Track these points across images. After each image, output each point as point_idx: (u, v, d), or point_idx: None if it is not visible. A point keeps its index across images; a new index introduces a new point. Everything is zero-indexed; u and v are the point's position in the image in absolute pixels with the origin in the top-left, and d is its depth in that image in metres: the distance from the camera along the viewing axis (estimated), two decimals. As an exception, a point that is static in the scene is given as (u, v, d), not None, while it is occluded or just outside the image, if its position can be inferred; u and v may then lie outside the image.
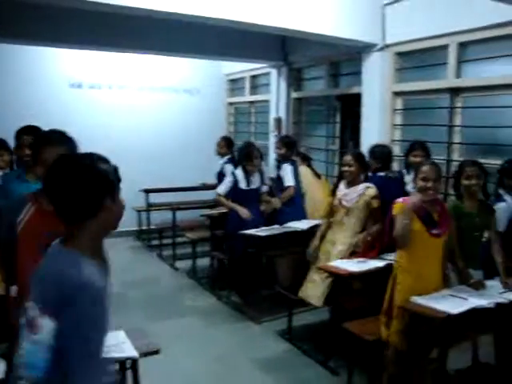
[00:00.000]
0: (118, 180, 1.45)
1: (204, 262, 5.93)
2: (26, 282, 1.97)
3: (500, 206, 3.38)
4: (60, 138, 2.20)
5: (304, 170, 5.28)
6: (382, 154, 4.30)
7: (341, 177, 4.01)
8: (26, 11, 4.89)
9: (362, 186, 3.89)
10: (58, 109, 6.69)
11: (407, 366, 2.99)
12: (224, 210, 5.22)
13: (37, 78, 6.86)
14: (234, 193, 4.99)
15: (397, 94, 5.21)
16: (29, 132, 3.34)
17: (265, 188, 5.15)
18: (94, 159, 1.41)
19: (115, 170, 1.44)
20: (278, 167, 5.26)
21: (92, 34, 5.41)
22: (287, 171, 5.06)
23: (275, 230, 4.68)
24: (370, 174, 4.06)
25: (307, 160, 5.52)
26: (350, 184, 3.90)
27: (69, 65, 7.14)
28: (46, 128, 2.41)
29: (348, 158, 3.89)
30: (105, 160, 1.43)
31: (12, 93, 6.58)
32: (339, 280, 3.65)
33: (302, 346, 4.05)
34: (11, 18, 4.91)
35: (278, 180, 5.17)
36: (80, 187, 1.35)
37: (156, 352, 2.53)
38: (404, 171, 4.32)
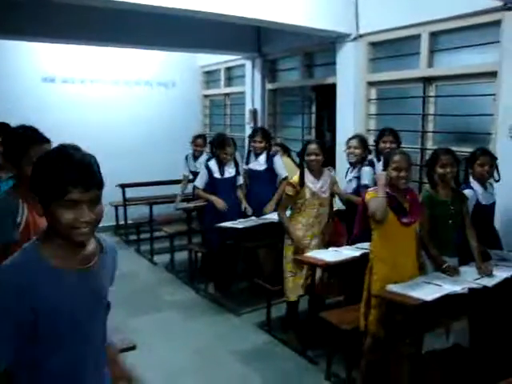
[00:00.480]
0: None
1: (182, 255, 5.91)
2: None
3: (467, 193, 3.44)
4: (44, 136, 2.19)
5: (286, 160, 5.27)
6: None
7: (302, 166, 3.93)
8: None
9: (326, 173, 3.95)
10: (32, 104, 6.55)
11: (384, 352, 3.04)
12: (201, 203, 5.20)
13: (11, 73, 6.72)
14: (209, 183, 4.95)
15: (371, 83, 5.24)
16: None
17: (241, 180, 5.12)
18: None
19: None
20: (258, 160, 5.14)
21: (65, 27, 5.32)
22: (280, 163, 5.02)
23: (253, 221, 4.67)
24: None
25: (287, 151, 5.52)
26: (316, 173, 3.91)
27: (42, 59, 7.01)
28: (17, 123, 2.34)
29: (313, 146, 3.86)
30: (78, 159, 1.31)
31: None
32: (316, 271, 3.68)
33: (281, 337, 4.08)
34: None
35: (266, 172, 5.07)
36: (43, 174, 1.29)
37: (132, 348, 2.47)
38: (375, 160, 4.33)
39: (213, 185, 4.96)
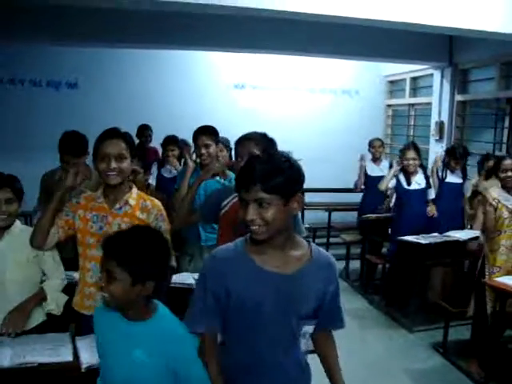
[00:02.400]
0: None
1: (355, 264, 5.98)
2: None
3: None
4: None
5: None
6: None
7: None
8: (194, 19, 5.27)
9: None
10: (224, 108, 7.21)
11: None
12: (386, 215, 5.22)
13: (206, 80, 7.44)
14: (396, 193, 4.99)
15: None
16: (205, 132, 3.42)
17: (432, 194, 4.99)
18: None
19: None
20: None
21: (256, 38, 5.70)
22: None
23: (436, 238, 4.51)
24: None
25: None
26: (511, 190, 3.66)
27: (233, 67, 7.59)
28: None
29: (508, 162, 3.64)
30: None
31: (186, 94, 7.22)
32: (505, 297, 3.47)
33: (458, 362, 3.92)
34: (179, 27, 5.36)
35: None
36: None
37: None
38: None
39: (400, 195, 4.94)
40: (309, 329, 1.66)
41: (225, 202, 2.50)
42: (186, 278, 2.89)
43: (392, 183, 4.93)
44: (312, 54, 6.60)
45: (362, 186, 6.17)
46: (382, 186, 4.98)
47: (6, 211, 2.25)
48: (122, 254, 1.47)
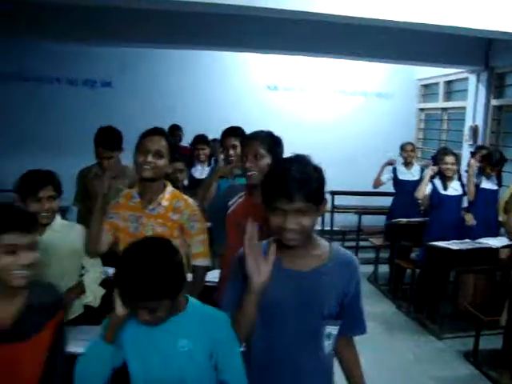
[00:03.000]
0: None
1: (384, 268, 5.94)
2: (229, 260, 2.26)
3: None
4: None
5: None
6: None
7: None
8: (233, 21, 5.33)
9: None
10: (258, 109, 7.26)
11: None
12: (418, 219, 5.18)
13: (239, 82, 7.50)
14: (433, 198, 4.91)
15: None
16: (232, 133, 3.47)
17: (465, 202, 4.94)
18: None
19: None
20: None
21: (290, 40, 5.71)
22: None
23: (468, 244, 4.45)
24: None
25: None
26: None
27: (267, 69, 7.65)
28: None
29: None
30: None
31: (218, 95, 7.31)
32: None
33: (488, 372, 3.85)
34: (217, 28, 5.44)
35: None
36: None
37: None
38: None
39: (435, 200, 4.88)
40: (332, 330, 1.65)
41: (231, 202, 2.51)
42: (215, 276, 2.91)
43: (428, 189, 4.87)
44: (344, 57, 6.58)
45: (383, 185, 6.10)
46: (419, 194, 4.92)
47: (50, 208, 2.33)
48: (154, 293, 1.45)
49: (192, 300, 1.68)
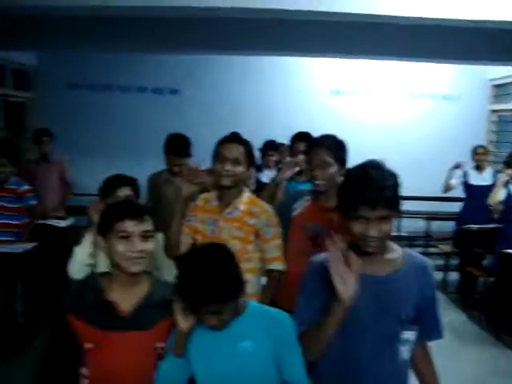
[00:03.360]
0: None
1: (452, 276, 5.74)
2: (292, 267, 2.32)
3: None
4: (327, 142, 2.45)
5: None
6: None
7: None
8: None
9: None
10: (322, 114, 7.23)
11: None
12: (491, 226, 4.98)
13: (303, 88, 7.48)
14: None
15: None
16: (302, 138, 3.50)
17: None
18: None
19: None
20: None
21: (354, 43, 5.60)
22: None
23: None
24: None
25: None
26: None
27: (329, 73, 7.58)
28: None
29: None
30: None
31: (282, 100, 7.35)
32: None
33: None
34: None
35: None
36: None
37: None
38: None
39: (510, 206, 4.68)
40: (410, 336, 1.63)
41: (296, 205, 2.52)
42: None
43: (502, 194, 4.65)
44: (412, 59, 6.41)
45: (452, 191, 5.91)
46: (492, 201, 4.73)
47: None
48: (220, 295, 1.47)
49: (251, 302, 1.70)
